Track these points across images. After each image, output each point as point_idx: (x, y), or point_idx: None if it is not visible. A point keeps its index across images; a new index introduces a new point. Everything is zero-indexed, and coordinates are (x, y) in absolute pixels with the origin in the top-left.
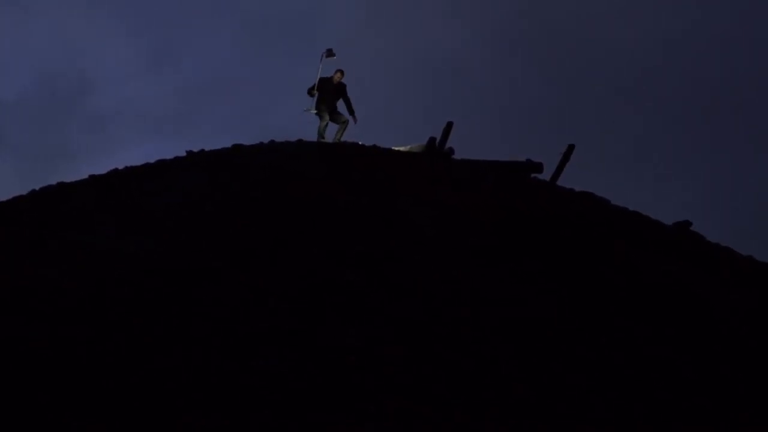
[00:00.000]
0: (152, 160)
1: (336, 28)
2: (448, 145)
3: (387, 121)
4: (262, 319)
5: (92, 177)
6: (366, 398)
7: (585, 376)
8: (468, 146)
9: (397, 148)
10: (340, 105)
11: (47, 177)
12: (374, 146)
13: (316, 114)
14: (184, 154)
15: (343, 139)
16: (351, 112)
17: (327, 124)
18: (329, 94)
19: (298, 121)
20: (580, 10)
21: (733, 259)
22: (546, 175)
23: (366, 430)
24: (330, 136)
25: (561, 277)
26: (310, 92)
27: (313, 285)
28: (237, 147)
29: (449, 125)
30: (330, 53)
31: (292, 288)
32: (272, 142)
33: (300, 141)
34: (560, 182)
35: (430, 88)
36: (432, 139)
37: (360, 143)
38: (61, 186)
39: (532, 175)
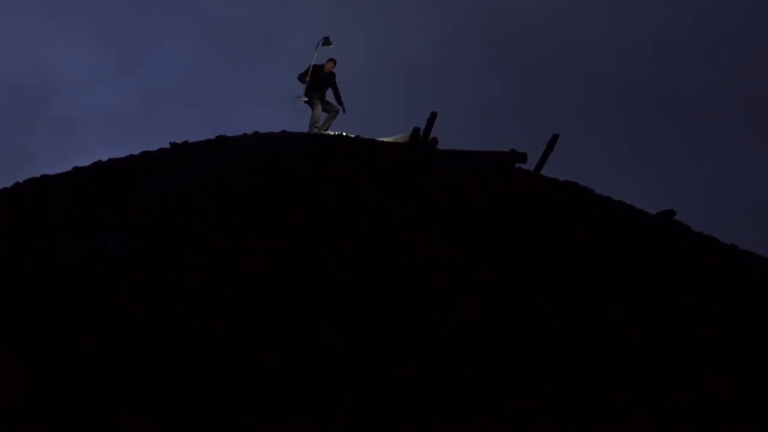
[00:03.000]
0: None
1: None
2: (432, 135)
3: (370, 112)
4: (247, 317)
5: (76, 168)
6: (352, 395)
7: (571, 373)
8: (452, 137)
9: (381, 139)
10: (329, 94)
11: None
12: (358, 137)
13: (306, 102)
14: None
15: (329, 129)
16: (340, 102)
17: (320, 112)
18: (320, 83)
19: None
20: (575, 9)
21: (717, 249)
22: (529, 166)
23: (352, 427)
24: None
25: (547, 274)
26: (301, 78)
27: (299, 283)
28: (221, 138)
29: (433, 115)
30: (327, 41)
31: (277, 286)
32: (256, 133)
33: (284, 132)
34: (543, 173)
35: (415, 82)
36: (416, 130)
37: (344, 134)
38: (45, 178)
39: (517, 165)
